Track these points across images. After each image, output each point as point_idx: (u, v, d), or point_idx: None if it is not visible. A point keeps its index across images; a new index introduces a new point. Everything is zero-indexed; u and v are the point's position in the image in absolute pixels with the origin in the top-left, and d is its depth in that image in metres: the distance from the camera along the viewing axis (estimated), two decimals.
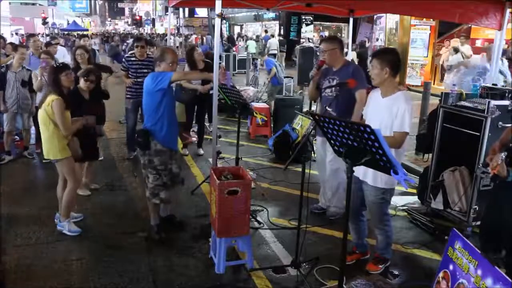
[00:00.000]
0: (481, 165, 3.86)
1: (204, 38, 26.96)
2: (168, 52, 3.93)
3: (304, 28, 23.43)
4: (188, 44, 20.57)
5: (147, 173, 3.93)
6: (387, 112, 3.13)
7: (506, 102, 3.93)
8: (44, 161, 5.49)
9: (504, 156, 2.74)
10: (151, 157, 3.86)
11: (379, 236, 3.52)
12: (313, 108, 7.25)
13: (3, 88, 5.93)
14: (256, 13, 28.20)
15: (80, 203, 4.81)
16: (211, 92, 4.05)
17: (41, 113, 3.90)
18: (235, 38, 26.86)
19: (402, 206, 4.89)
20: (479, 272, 2.46)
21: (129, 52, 6.68)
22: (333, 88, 4.15)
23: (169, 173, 3.98)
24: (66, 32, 38.28)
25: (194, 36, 30.00)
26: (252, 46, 21.08)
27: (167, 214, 4.29)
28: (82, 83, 4.62)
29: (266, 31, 24.57)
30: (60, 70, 3.96)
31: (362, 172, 3.25)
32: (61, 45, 10.08)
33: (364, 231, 3.67)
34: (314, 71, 4.38)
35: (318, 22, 24.90)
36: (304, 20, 23.33)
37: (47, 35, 26.39)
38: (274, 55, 17.62)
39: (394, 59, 3.19)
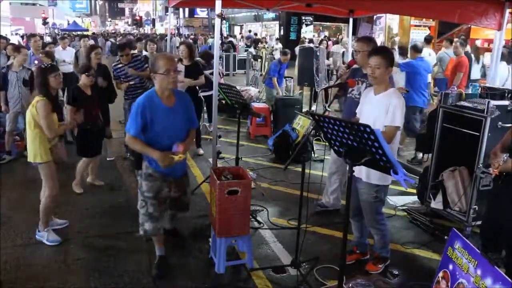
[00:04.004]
0: (481, 165, 3.86)
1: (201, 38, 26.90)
2: (160, 59, 3.15)
3: (304, 29, 23.42)
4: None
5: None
6: (380, 109, 3.16)
7: (505, 102, 3.94)
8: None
9: (506, 158, 2.77)
10: (141, 180, 3.31)
11: (375, 236, 3.53)
12: (313, 108, 7.25)
13: (4, 88, 5.94)
14: (256, 13, 28.19)
15: (80, 203, 4.83)
16: (210, 92, 4.03)
17: (27, 114, 3.75)
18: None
19: (402, 206, 4.89)
20: (479, 271, 2.47)
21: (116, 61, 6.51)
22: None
23: (163, 202, 3.35)
24: (66, 32, 38.35)
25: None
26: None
27: (173, 227, 3.86)
28: (84, 79, 4.70)
29: (250, 31, 24.59)
30: (49, 71, 3.74)
31: (357, 169, 3.24)
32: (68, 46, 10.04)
33: (367, 229, 3.66)
34: (343, 70, 4.35)
35: (318, 22, 24.91)
36: (304, 21, 23.34)
37: (49, 35, 26.37)
38: None
39: (393, 58, 3.27)
